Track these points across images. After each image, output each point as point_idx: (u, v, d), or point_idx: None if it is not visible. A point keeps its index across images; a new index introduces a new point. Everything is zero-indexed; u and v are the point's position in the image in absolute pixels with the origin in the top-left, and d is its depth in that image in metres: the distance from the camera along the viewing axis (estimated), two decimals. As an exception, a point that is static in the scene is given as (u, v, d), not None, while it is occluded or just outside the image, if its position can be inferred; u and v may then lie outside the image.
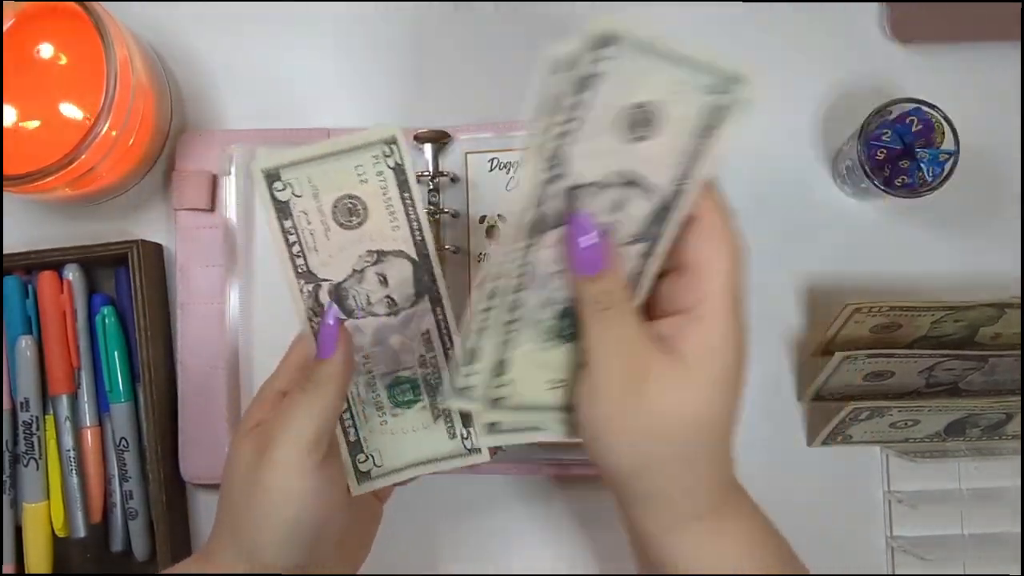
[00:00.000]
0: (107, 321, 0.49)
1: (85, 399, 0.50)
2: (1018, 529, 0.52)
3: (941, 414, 0.50)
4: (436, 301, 0.42)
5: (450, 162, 0.51)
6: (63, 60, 0.47)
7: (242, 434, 0.39)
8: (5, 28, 0.47)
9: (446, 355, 0.42)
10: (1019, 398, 0.49)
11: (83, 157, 0.44)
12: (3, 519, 0.49)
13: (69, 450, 0.49)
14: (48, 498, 0.49)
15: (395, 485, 0.43)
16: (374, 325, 0.41)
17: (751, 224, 0.55)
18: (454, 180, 0.51)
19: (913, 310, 0.48)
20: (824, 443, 0.52)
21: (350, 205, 0.40)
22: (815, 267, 0.53)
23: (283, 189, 0.39)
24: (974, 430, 0.52)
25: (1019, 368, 0.50)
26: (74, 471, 0.49)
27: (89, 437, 0.50)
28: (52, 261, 0.49)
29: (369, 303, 0.41)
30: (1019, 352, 0.49)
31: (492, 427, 0.40)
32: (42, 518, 0.49)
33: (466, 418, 0.42)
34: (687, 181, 0.36)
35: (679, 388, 0.35)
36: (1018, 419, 0.51)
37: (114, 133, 0.45)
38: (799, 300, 0.53)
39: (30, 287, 0.49)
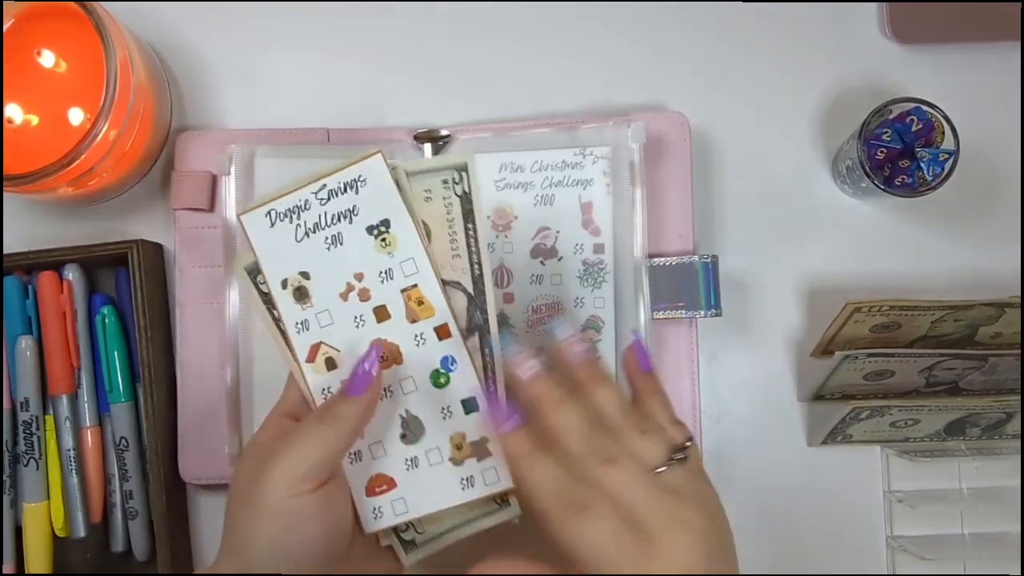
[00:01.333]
0: (107, 321, 0.49)
1: (85, 399, 0.49)
2: (1018, 529, 0.52)
3: (941, 413, 0.50)
4: (484, 340, 0.41)
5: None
6: (63, 60, 0.47)
7: (245, 455, 0.40)
8: (5, 28, 0.47)
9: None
10: (1019, 398, 0.49)
11: (83, 157, 0.44)
12: (3, 519, 0.49)
13: (69, 450, 0.49)
14: (48, 498, 0.49)
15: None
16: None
17: (752, 224, 0.55)
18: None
19: (913, 310, 0.48)
20: (824, 443, 0.52)
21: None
22: (815, 267, 0.53)
23: (264, 282, 0.39)
24: (974, 429, 0.52)
25: (1019, 368, 0.50)
26: (74, 471, 0.49)
27: (89, 437, 0.50)
28: (52, 261, 0.49)
29: None
30: (1019, 352, 0.49)
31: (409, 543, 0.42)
32: (42, 518, 0.49)
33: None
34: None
35: None
36: (1018, 419, 0.51)
37: (114, 133, 0.45)
38: (799, 300, 0.53)
39: (30, 287, 0.49)
